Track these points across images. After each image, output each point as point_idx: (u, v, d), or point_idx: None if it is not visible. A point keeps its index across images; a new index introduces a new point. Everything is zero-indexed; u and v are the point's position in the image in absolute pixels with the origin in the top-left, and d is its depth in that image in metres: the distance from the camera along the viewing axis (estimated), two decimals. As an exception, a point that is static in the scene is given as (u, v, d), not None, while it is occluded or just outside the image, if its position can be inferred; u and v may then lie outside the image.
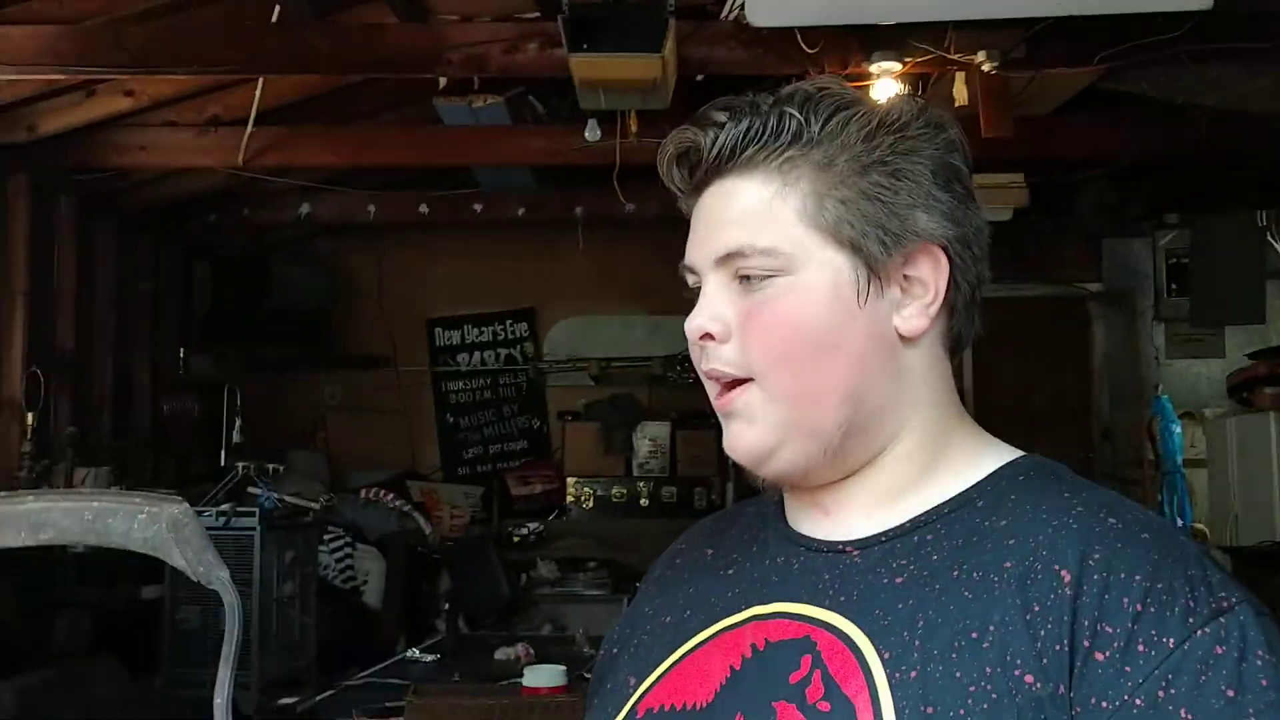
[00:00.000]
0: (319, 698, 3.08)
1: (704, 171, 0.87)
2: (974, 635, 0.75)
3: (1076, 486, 0.83)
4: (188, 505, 0.82)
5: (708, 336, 0.86)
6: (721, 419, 0.87)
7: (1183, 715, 0.71)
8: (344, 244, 6.40)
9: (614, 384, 6.34)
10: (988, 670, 0.74)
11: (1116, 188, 5.84)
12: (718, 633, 0.86)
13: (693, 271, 0.89)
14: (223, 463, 5.12)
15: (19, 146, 4.45)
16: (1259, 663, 0.72)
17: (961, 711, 0.73)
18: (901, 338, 0.85)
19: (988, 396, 5.75)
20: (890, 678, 0.76)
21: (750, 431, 0.85)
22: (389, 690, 2.94)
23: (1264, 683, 0.72)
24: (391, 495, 5.67)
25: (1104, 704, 0.72)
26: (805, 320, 0.83)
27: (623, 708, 0.87)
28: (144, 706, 4.17)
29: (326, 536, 5.07)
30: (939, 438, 0.87)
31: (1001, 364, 5.91)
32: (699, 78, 3.74)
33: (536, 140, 4.89)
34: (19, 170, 4.55)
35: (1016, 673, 0.73)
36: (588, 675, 1.04)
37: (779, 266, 0.83)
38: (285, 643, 4.45)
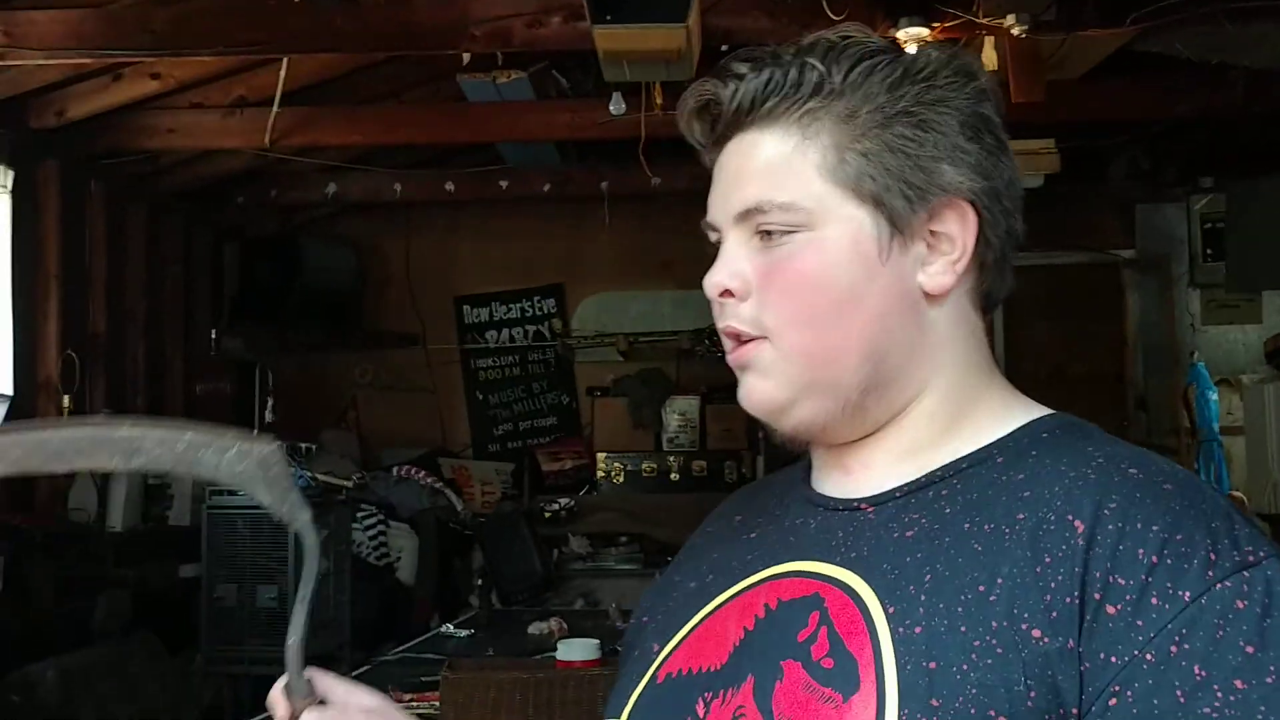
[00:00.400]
0: (355, 673, 3.11)
1: (724, 125, 0.85)
2: (981, 589, 0.73)
3: (1103, 442, 0.80)
4: (279, 446, 0.84)
5: (726, 293, 0.84)
6: (736, 372, 0.86)
7: (1196, 672, 0.67)
8: (371, 223, 6.41)
9: (643, 359, 6.33)
10: (994, 624, 0.72)
11: (1150, 152, 5.76)
12: (735, 595, 0.85)
13: (714, 228, 0.87)
14: (256, 442, 5.16)
15: (49, 131, 4.48)
16: None
17: (965, 666, 0.71)
18: (926, 295, 0.83)
19: (1020, 365, 5.70)
20: (894, 633, 0.74)
21: (764, 385, 0.84)
22: (424, 665, 2.96)
23: None
24: (423, 473, 5.70)
25: (1113, 659, 0.69)
26: (825, 278, 0.81)
27: (646, 674, 0.87)
28: (183, 683, 4.23)
29: (360, 514, 5.11)
30: (964, 396, 0.84)
31: (1034, 332, 5.86)
32: (723, 48, 3.71)
33: (561, 115, 4.87)
34: (49, 155, 4.58)
35: (1024, 627, 0.71)
36: (620, 649, 1.04)
37: (799, 222, 0.81)
38: (321, 620, 4.50)
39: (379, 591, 5.00)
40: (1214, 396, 5.53)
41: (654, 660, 0.87)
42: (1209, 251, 5.95)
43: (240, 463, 0.85)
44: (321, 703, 0.88)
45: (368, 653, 4.05)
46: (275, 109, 4.49)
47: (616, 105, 4.28)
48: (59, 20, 3.75)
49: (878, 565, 0.78)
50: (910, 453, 0.84)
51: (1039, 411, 0.85)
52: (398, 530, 5.29)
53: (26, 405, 4.44)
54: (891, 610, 0.75)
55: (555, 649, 2.59)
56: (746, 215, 0.83)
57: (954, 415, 0.84)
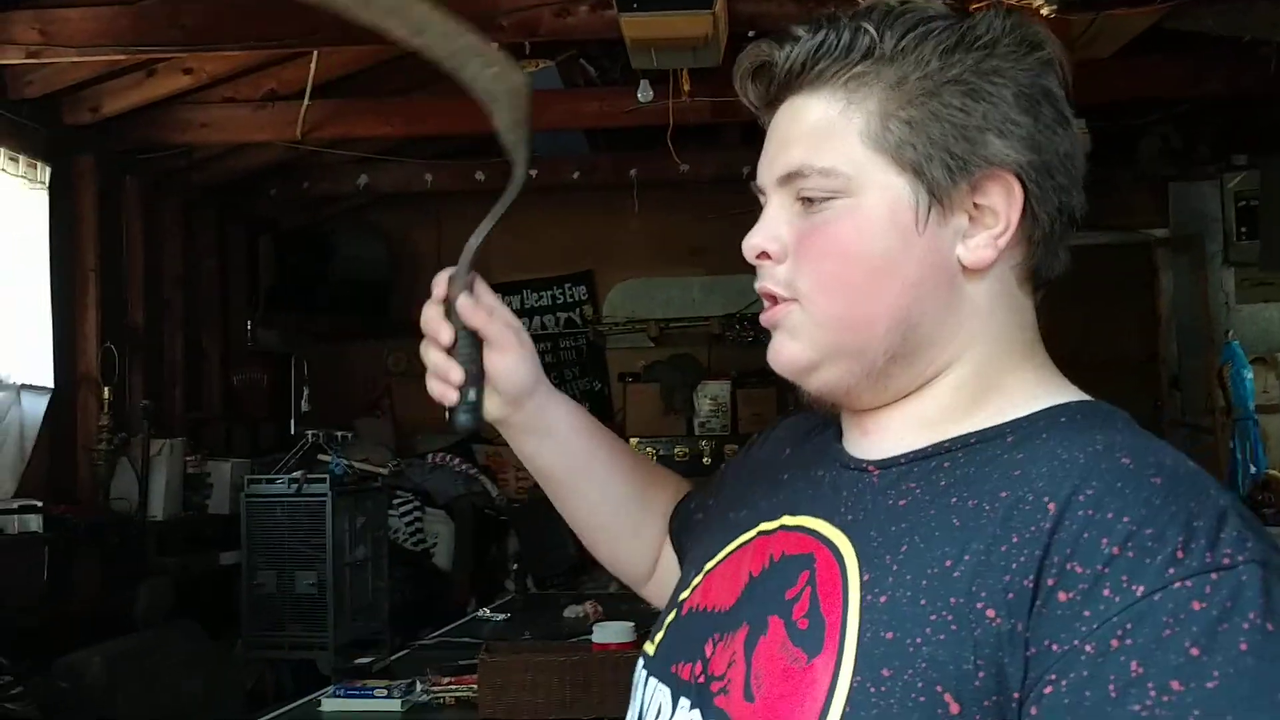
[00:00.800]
0: (394, 657, 3.15)
1: (777, 87, 0.84)
2: (948, 564, 0.72)
3: (1116, 430, 0.77)
4: (530, 81, 0.90)
5: (764, 255, 0.84)
6: (770, 331, 0.86)
7: (1134, 668, 0.64)
8: (402, 213, 6.46)
9: (673, 344, 6.35)
10: (952, 600, 0.71)
11: (1182, 130, 5.70)
12: (753, 538, 0.87)
13: (761, 190, 0.86)
14: (292, 431, 5.23)
15: (84, 128, 4.55)
16: (1245, 625, 0.64)
17: (918, 640, 0.70)
18: (966, 268, 0.81)
19: (1051, 345, 5.67)
20: (863, 600, 0.74)
21: (792, 345, 0.84)
22: (461, 649, 3.00)
23: (1243, 647, 0.63)
24: (458, 459, 5.75)
25: (1055, 646, 0.66)
26: (860, 246, 0.80)
27: (677, 601, 0.91)
28: (224, 668, 4.29)
29: (396, 501, 5.16)
30: (994, 372, 0.83)
31: (1065, 313, 5.81)
32: (750, 34, 3.71)
33: (589, 104, 4.88)
34: (85, 151, 4.64)
35: (979, 605, 0.70)
36: (706, 501, 1.10)
37: (838, 188, 0.80)
38: (359, 605, 4.56)
39: (416, 577, 5.06)
40: (1249, 375, 5.48)
41: (686, 587, 0.91)
42: (1243, 229, 5.89)
43: (495, 81, 0.90)
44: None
45: (405, 637, 4.10)
46: (306, 102, 4.53)
47: (644, 93, 4.29)
48: (92, 17, 3.80)
49: (866, 531, 0.79)
50: (929, 423, 0.83)
51: (1072, 396, 0.83)
52: (433, 516, 5.34)
53: (67, 397, 4.52)
54: (867, 578, 0.75)
55: (591, 632, 2.61)
56: (788, 179, 0.83)
57: (980, 390, 0.83)
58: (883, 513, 0.79)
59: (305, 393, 5.48)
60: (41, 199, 4.41)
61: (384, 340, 6.42)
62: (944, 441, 0.81)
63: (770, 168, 0.85)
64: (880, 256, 0.80)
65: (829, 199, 0.81)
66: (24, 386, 4.22)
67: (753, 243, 0.84)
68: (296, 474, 4.48)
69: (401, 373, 6.43)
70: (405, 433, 6.30)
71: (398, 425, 6.33)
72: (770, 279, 0.84)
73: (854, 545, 0.78)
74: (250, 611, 4.41)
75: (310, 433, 4.78)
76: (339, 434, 4.77)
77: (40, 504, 4.05)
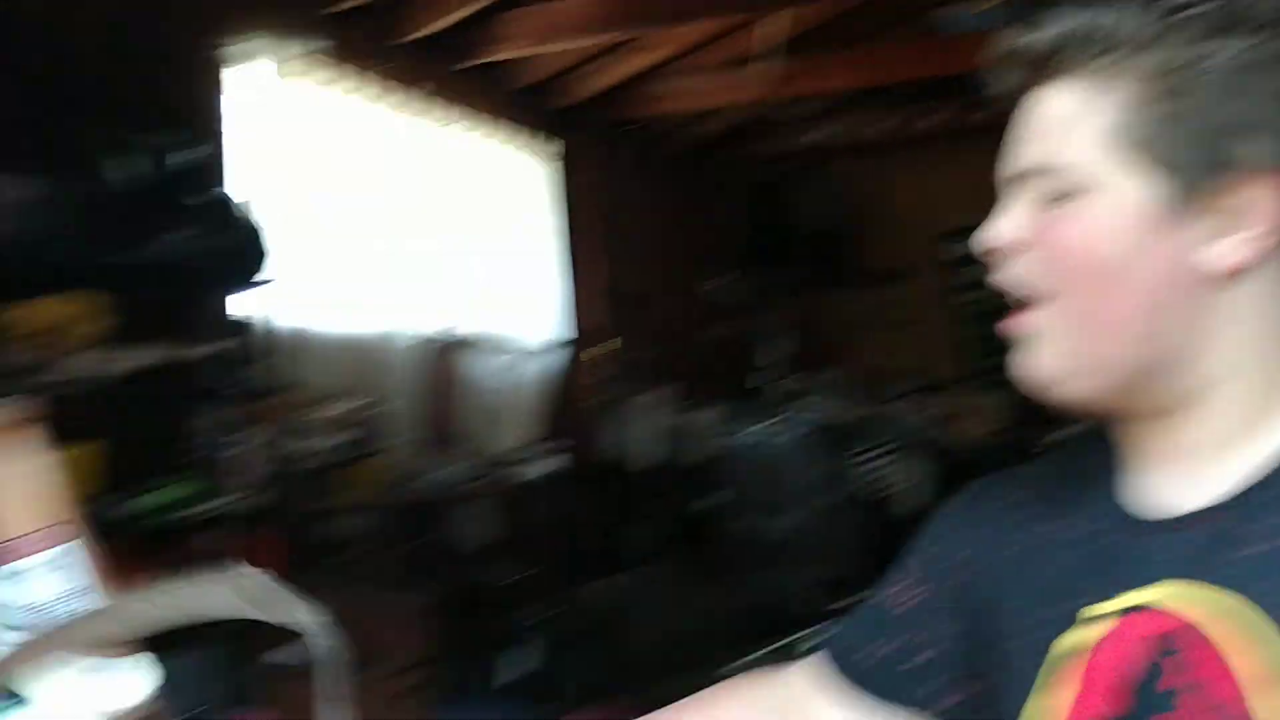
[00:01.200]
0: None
1: (1028, 74, 0.80)
2: None
3: None
4: (259, 579, 0.79)
5: (997, 249, 0.81)
6: (1011, 340, 0.81)
7: None
8: (858, 163, 6.52)
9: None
10: None
11: None
12: (1099, 635, 0.77)
13: (1007, 182, 0.83)
14: (762, 381, 5.49)
15: (573, 108, 5.03)
16: None
17: None
18: (1217, 272, 0.74)
19: None
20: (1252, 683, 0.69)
21: (1036, 359, 0.79)
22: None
23: None
24: (920, 405, 5.78)
25: None
26: (1096, 246, 0.75)
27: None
28: (705, 607, 4.61)
29: (861, 448, 5.28)
30: (1273, 382, 0.76)
31: None
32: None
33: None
34: (580, 129, 5.13)
35: None
36: (900, 587, 1.04)
37: (1076, 186, 0.76)
38: (829, 549, 4.72)
39: (881, 522, 5.16)
40: None
41: (1027, 701, 0.80)
42: None
43: (231, 606, 0.75)
44: None
45: (873, 582, 4.22)
46: (771, 63, 4.73)
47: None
48: (579, 6, 4.21)
49: (1212, 596, 0.72)
50: (1216, 446, 0.77)
51: None
52: (897, 463, 5.41)
53: (572, 354, 5.01)
54: (1258, 671, 0.69)
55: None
56: (1026, 175, 0.80)
57: (1262, 402, 0.76)
58: (1224, 567, 0.72)
59: (775, 343, 5.72)
60: (548, 173, 4.95)
61: (847, 290, 6.55)
62: (1249, 486, 0.74)
63: (1014, 160, 0.81)
64: (1118, 259, 0.75)
65: (1066, 197, 0.76)
66: (535, 346, 4.76)
67: (987, 235, 0.81)
68: (767, 423, 4.72)
69: (861, 321, 6.53)
70: (867, 380, 6.40)
71: (860, 373, 6.44)
72: (1006, 274, 0.80)
73: (1212, 616, 0.72)
74: (729, 554, 4.68)
75: (780, 382, 5.00)
76: (806, 383, 4.96)
77: (570, 444, 4.50)
